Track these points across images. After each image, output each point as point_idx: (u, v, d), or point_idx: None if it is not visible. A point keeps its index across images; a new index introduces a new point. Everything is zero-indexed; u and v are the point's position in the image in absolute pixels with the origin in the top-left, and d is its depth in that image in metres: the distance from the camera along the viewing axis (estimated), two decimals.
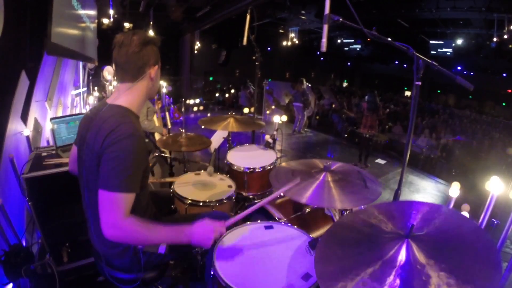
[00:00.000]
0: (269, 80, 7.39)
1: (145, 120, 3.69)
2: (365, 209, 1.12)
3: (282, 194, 1.48)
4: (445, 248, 0.87)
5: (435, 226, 0.95)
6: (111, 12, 7.07)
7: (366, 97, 5.63)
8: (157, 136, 3.87)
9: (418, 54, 1.23)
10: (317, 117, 9.96)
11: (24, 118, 2.27)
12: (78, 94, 5.25)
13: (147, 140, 3.69)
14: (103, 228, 1.05)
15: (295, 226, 1.49)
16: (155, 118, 4.10)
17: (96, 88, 7.09)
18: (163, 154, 2.93)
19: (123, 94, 1.22)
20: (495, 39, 8.65)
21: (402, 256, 0.86)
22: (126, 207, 1.08)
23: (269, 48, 15.52)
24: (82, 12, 3.63)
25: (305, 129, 7.95)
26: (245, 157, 2.54)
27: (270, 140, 2.76)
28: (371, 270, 0.84)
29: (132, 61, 1.19)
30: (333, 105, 11.56)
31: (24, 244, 1.91)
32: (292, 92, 8.15)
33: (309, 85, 7.72)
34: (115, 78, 7.74)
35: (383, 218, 1.04)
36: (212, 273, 1.20)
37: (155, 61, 1.25)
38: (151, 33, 8.64)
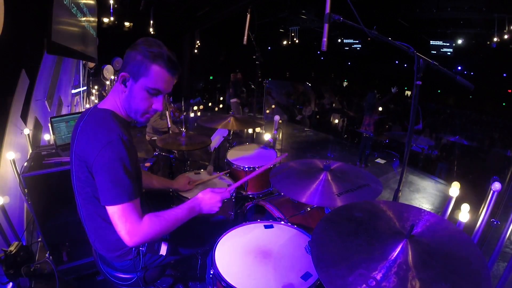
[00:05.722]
0: (269, 79, 7.36)
1: (158, 119, 3.60)
2: (373, 202, 1.13)
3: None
4: (440, 255, 0.89)
5: (434, 234, 0.98)
6: (111, 11, 7.07)
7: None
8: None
9: (418, 54, 1.22)
10: (317, 116, 9.96)
11: (24, 117, 2.27)
12: (78, 93, 5.25)
13: (154, 138, 3.65)
14: (124, 239, 1.05)
15: (295, 226, 1.49)
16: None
17: (96, 87, 7.09)
18: (163, 154, 2.92)
19: (110, 93, 1.20)
20: (495, 39, 8.64)
21: (400, 254, 0.87)
22: (137, 212, 1.07)
23: (269, 48, 15.50)
24: (82, 11, 3.62)
25: (306, 129, 7.95)
26: (245, 156, 2.54)
27: (270, 139, 2.75)
28: (370, 263, 0.85)
29: (124, 60, 1.15)
30: (333, 105, 11.57)
31: (24, 243, 1.91)
32: (232, 87, 6.83)
33: (309, 84, 7.64)
34: (115, 78, 7.75)
35: (389, 215, 1.06)
36: (212, 272, 1.20)
37: (138, 74, 1.11)
38: (151, 31, 8.66)
